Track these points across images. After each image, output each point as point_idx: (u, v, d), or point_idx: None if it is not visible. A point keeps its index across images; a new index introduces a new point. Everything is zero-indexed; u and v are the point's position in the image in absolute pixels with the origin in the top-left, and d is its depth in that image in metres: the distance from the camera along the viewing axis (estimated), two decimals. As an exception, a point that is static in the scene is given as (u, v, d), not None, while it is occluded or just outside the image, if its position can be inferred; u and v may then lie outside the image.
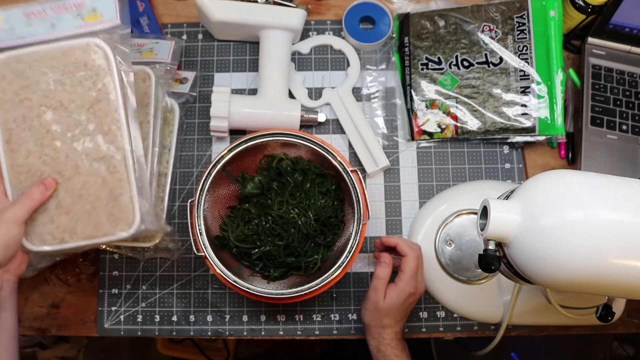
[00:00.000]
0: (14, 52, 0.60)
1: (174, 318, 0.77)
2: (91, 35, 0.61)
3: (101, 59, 0.60)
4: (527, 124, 0.78)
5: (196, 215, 0.67)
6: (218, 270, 0.65)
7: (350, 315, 0.77)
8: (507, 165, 0.81)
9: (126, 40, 0.62)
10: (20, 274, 0.59)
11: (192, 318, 0.77)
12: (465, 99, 0.80)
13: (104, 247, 0.75)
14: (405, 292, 0.66)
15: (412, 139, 0.81)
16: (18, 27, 0.61)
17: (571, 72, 0.84)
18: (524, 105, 0.78)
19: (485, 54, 0.81)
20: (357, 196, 0.67)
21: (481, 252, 0.50)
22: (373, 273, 0.68)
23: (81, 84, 0.60)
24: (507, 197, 0.52)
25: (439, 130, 0.80)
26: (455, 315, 0.77)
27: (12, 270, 0.58)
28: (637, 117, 0.79)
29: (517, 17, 0.81)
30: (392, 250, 0.70)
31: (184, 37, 0.86)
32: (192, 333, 0.77)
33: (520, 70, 0.79)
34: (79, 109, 0.60)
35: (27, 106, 0.60)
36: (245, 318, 0.77)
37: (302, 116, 0.78)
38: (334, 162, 0.68)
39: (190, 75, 0.82)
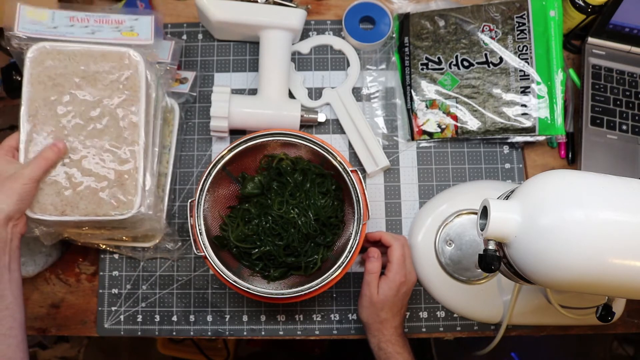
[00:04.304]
0: (58, 44, 0.67)
1: (174, 318, 0.77)
2: (128, 47, 0.68)
3: (134, 67, 0.67)
4: (527, 124, 0.78)
5: (196, 215, 0.67)
6: (218, 270, 0.65)
7: (350, 315, 0.77)
8: (507, 165, 0.81)
9: (155, 59, 0.71)
10: (24, 234, 0.63)
11: (192, 318, 0.77)
12: (465, 99, 0.80)
13: (104, 246, 0.75)
14: (397, 282, 0.66)
15: (412, 139, 0.81)
16: (61, 27, 0.68)
17: (571, 72, 0.84)
18: (524, 105, 0.78)
19: (485, 54, 0.81)
20: (357, 196, 0.67)
21: (481, 252, 0.50)
22: (364, 270, 0.69)
23: (112, 84, 0.67)
24: (507, 197, 0.52)
25: (439, 130, 0.80)
26: (455, 315, 0.77)
27: (20, 226, 0.62)
28: (637, 117, 0.79)
29: (517, 17, 0.81)
30: (378, 245, 0.71)
31: (184, 37, 0.86)
32: (192, 333, 0.77)
33: (520, 70, 0.79)
34: (105, 105, 0.67)
35: (58, 91, 0.66)
36: (245, 318, 0.77)
37: (302, 116, 0.78)
38: (334, 162, 0.68)
39: (190, 75, 0.82)
